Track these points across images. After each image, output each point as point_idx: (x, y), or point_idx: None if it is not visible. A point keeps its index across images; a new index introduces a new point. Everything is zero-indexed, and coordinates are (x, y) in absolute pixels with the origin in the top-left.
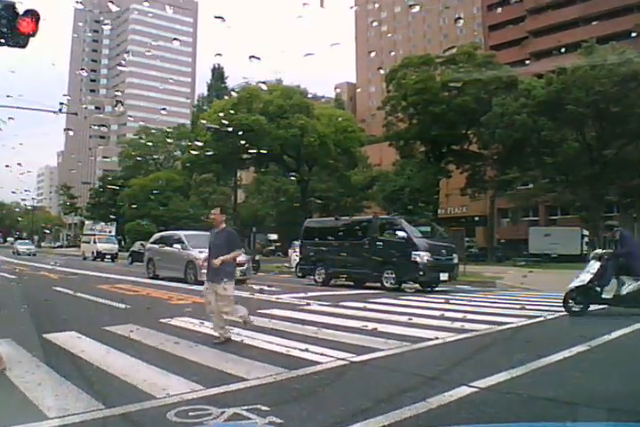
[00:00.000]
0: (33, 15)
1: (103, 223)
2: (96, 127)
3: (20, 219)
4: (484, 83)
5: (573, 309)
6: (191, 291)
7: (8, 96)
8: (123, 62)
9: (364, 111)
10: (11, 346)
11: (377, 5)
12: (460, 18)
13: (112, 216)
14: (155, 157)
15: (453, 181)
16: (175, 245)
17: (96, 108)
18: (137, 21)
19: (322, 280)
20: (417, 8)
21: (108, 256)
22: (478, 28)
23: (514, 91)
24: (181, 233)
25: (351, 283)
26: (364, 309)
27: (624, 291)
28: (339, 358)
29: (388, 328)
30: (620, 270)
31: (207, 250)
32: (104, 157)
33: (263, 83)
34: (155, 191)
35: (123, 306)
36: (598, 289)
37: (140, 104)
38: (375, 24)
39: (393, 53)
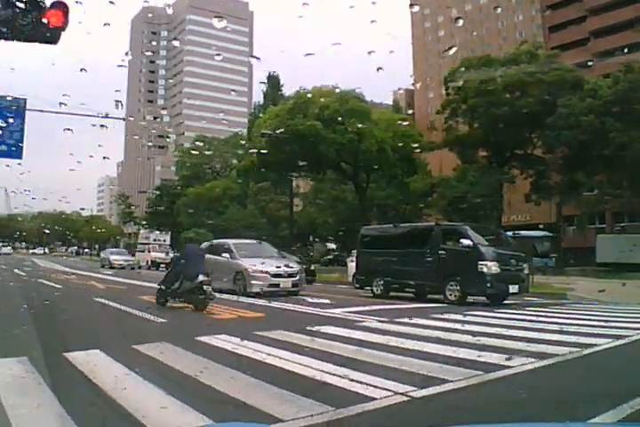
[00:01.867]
0: (61, 8)
1: (158, 232)
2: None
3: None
4: (548, 83)
5: (161, 302)
6: (238, 304)
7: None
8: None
9: (423, 117)
10: (22, 366)
11: (428, 11)
12: (459, 17)
13: (169, 225)
14: (212, 165)
15: (516, 188)
16: (224, 255)
17: (154, 118)
18: (193, 32)
19: (380, 292)
20: (416, 8)
21: (163, 265)
22: (538, 30)
23: (579, 91)
24: (230, 242)
25: (411, 295)
26: (427, 326)
27: (181, 289)
28: (397, 393)
29: (456, 351)
30: (181, 273)
31: (257, 260)
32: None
33: (263, 83)
34: (212, 200)
35: (160, 320)
36: (164, 288)
37: (198, 114)
38: (432, 28)
39: (451, 58)
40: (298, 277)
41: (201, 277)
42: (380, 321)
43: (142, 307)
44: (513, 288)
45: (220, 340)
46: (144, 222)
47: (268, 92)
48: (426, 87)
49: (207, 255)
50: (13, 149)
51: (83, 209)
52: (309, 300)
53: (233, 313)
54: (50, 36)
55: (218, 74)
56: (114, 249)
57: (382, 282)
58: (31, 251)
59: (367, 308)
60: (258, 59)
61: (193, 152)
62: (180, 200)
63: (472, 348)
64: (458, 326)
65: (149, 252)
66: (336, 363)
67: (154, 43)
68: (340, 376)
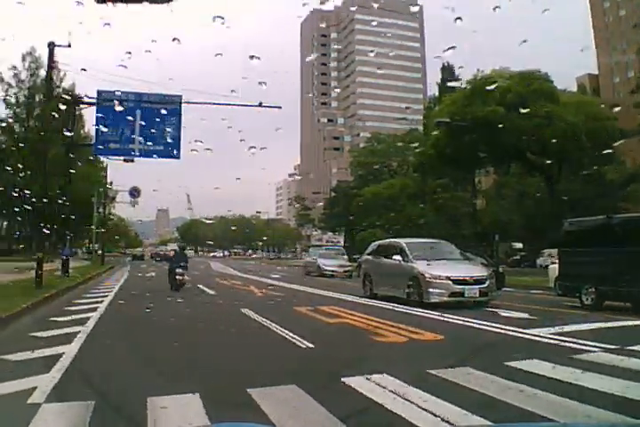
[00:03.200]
0: None
1: (331, 233)
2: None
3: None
4: None
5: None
6: (410, 318)
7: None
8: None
9: (610, 103)
10: (77, 418)
11: None
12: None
13: (344, 226)
14: (388, 164)
15: None
16: (395, 257)
17: (329, 120)
18: (362, 31)
19: (590, 302)
20: None
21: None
22: None
23: None
24: (403, 241)
25: (629, 305)
26: None
27: (171, 276)
28: None
29: None
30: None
31: (435, 263)
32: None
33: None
34: (389, 199)
35: (306, 345)
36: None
37: (373, 113)
38: (612, 8)
39: (636, 39)
40: (487, 284)
41: (177, 270)
42: (607, 351)
43: (292, 324)
44: None
45: (375, 384)
46: (320, 224)
47: (443, 85)
48: (611, 71)
49: (372, 258)
50: (170, 148)
51: (259, 213)
52: (502, 313)
53: (402, 333)
54: None
55: (390, 72)
56: (323, 250)
57: (594, 289)
58: (212, 254)
59: (580, 326)
60: (258, 58)
61: (367, 149)
62: (356, 200)
63: None
64: None
65: None
66: None
67: (324, 45)
68: None
